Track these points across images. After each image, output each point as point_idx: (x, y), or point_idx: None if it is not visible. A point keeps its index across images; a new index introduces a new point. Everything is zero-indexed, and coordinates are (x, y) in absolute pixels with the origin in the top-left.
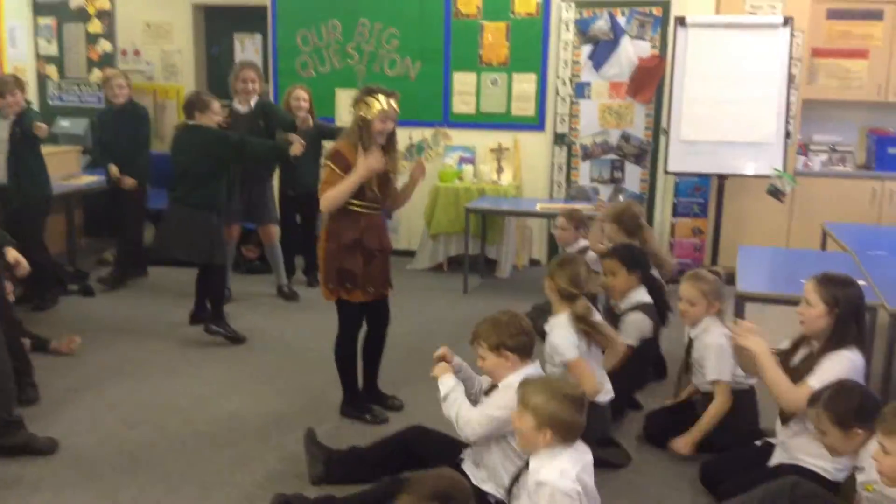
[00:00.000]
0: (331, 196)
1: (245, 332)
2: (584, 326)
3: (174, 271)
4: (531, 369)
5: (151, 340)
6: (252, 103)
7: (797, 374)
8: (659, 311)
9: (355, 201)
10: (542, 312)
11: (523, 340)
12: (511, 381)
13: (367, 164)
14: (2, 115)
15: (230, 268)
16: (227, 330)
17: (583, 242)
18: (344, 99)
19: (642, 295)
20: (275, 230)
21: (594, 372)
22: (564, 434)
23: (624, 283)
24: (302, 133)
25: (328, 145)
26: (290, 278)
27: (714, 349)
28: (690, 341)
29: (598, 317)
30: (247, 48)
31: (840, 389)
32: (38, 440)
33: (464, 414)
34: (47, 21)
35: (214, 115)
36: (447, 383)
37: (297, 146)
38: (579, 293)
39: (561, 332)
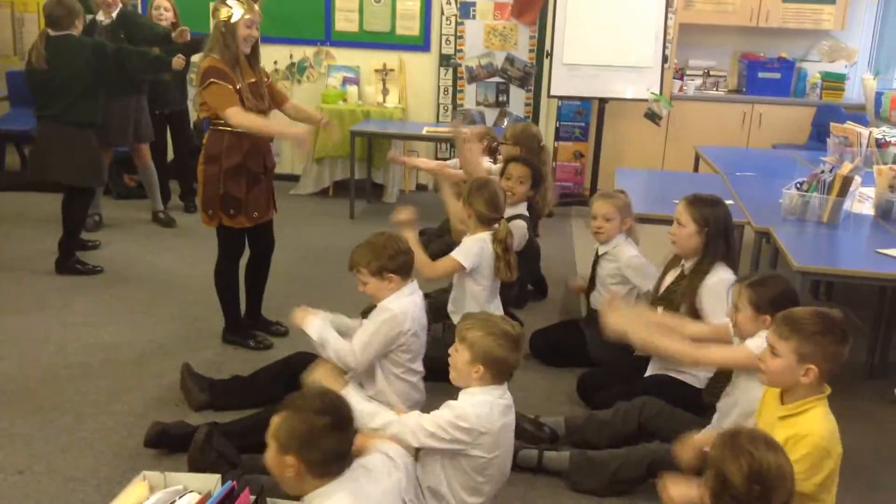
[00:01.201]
0: (248, 125)
1: (119, 261)
2: (500, 249)
3: (35, 196)
4: (411, 288)
5: (18, 271)
6: (114, 15)
7: (674, 297)
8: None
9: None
10: (434, 237)
11: (403, 260)
12: (386, 304)
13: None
14: None
15: (100, 192)
16: (82, 266)
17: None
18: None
19: (523, 209)
20: (148, 151)
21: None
22: (496, 371)
23: (522, 192)
24: (177, 47)
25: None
26: (166, 204)
27: (633, 265)
28: (597, 259)
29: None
30: None
31: (768, 277)
32: None
33: (341, 347)
34: None
35: (80, 23)
36: (314, 327)
37: (178, 59)
38: (499, 216)
39: (474, 245)
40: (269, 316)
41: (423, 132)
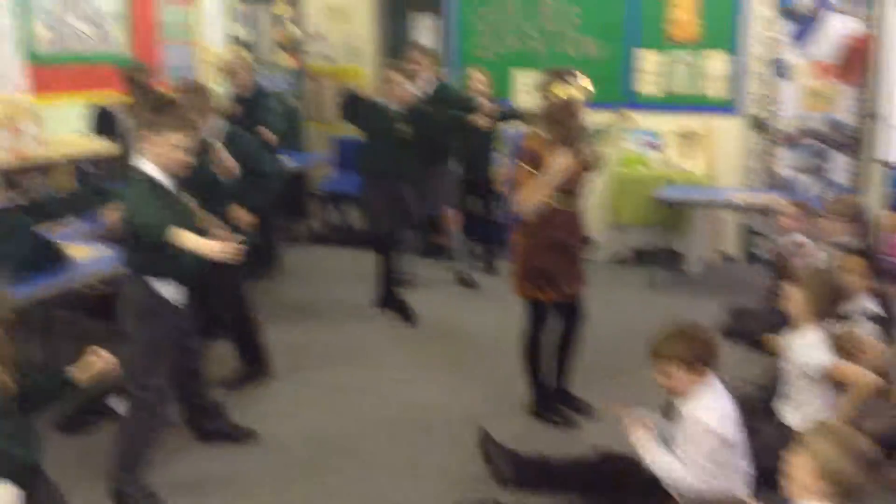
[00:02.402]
0: (527, 196)
1: (428, 319)
2: (846, 349)
3: (351, 252)
4: (716, 383)
5: (337, 322)
6: (427, 86)
7: None
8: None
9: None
10: (743, 315)
11: (710, 354)
12: (699, 414)
13: (560, 164)
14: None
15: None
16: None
17: (799, 237)
18: (522, 80)
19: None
20: (456, 215)
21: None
22: (841, 495)
23: (860, 286)
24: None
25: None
26: (469, 265)
27: None
28: None
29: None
30: (420, 29)
31: None
32: (238, 428)
33: (677, 476)
34: (242, 6)
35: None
36: (650, 451)
37: (480, 117)
38: (837, 312)
39: (812, 352)
40: (574, 390)
41: (733, 199)
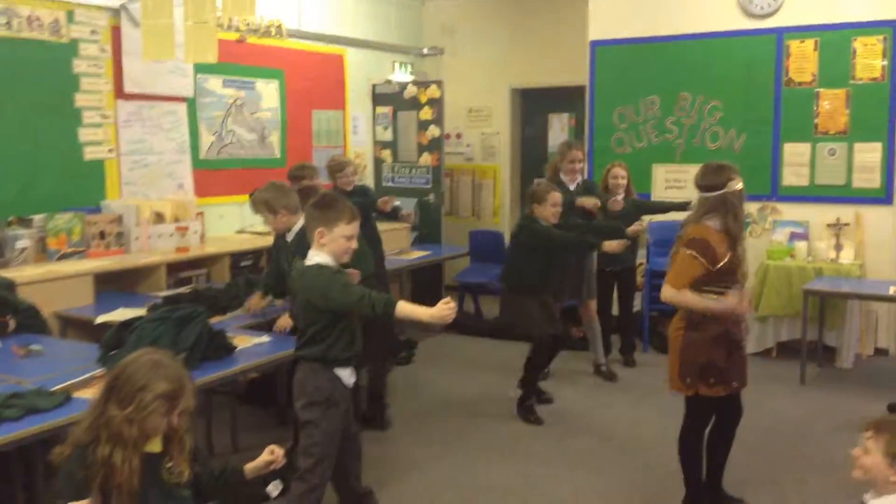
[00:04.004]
0: (688, 301)
1: (569, 413)
2: None
3: (491, 342)
4: None
5: (475, 414)
6: (577, 182)
7: None
8: None
9: (721, 288)
10: None
11: None
12: None
13: (737, 307)
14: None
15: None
16: (531, 416)
17: None
18: (660, 174)
19: None
20: (594, 306)
21: None
22: None
23: None
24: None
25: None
26: (606, 357)
27: None
28: None
29: None
30: (554, 127)
31: None
32: None
33: None
34: (384, 110)
35: (550, 206)
36: None
37: (613, 244)
38: None
39: None
40: (728, 489)
41: (890, 292)
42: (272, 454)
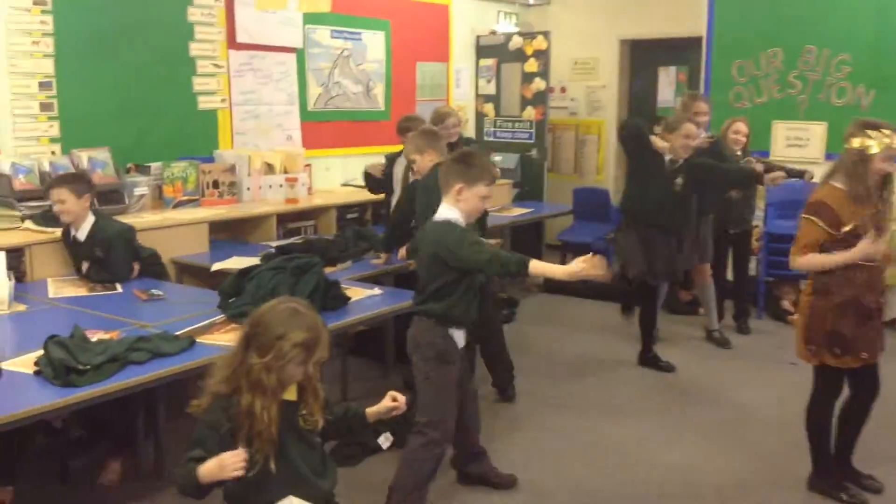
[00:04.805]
0: (815, 263)
1: (682, 379)
2: None
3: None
4: None
5: (583, 375)
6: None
7: None
8: None
9: None
10: None
11: None
12: None
13: (869, 250)
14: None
15: (659, 307)
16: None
17: None
18: (781, 132)
19: None
20: (708, 269)
21: None
22: None
23: None
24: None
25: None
26: (719, 323)
27: None
28: None
29: None
30: (662, 81)
31: None
32: (500, 475)
33: None
34: (488, 63)
35: (683, 137)
36: None
37: (775, 175)
38: None
39: None
40: (858, 466)
41: None
42: (395, 400)
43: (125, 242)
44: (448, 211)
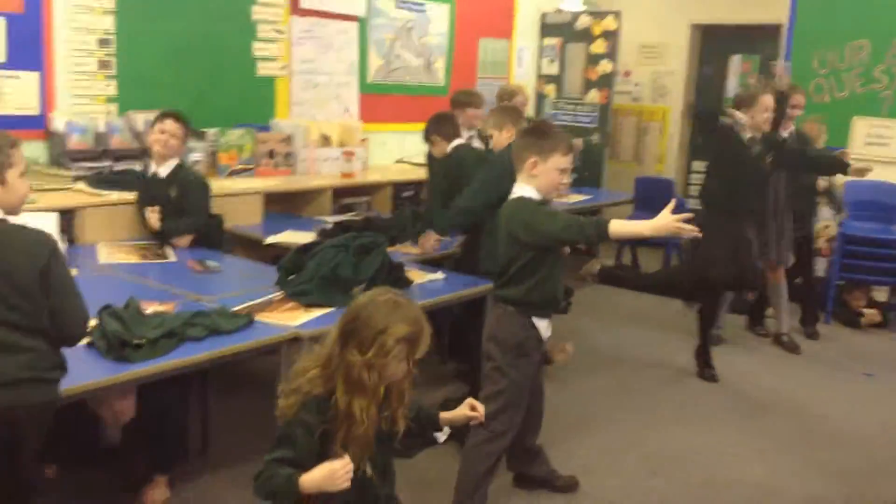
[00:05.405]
0: None
1: (743, 381)
2: None
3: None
4: None
5: (642, 375)
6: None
7: None
8: None
9: None
10: None
11: None
12: None
13: None
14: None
15: (726, 308)
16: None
17: None
18: (862, 128)
19: None
20: (783, 269)
21: None
22: None
23: None
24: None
25: None
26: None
27: None
28: None
29: None
30: (733, 70)
31: None
32: (561, 477)
33: None
34: (552, 42)
35: (762, 111)
36: None
37: (860, 166)
38: None
39: None
40: None
41: None
42: (473, 409)
43: (204, 187)
44: (522, 188)
